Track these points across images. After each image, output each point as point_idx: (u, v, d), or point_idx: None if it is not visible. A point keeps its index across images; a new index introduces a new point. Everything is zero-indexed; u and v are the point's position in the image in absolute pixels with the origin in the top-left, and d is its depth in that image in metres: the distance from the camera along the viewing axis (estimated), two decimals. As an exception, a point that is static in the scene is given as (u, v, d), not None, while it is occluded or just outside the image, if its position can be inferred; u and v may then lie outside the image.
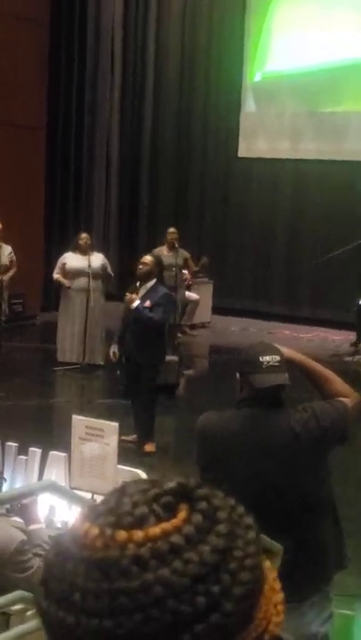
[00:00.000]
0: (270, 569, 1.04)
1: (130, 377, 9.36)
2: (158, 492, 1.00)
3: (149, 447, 9.31)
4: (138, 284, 9.36)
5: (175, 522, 0.97)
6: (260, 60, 17.55)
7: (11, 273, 13.33)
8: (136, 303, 9.13)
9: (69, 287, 12.55)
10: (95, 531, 0.97)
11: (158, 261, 9.56)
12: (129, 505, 0.99)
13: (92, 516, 1.00)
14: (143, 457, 8.90)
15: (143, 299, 9.19)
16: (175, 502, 0.99)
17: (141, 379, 9.32)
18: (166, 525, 0.96)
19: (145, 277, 9.27)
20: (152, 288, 9.27)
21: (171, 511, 0.98)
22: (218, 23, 17.73)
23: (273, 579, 1.04)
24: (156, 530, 0.96)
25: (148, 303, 9.15)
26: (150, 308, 9.14)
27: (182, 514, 0.98)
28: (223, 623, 0.94)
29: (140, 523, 0.97)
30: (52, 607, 0.97)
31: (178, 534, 0.96)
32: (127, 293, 9.29)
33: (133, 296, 9.18)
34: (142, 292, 9.25)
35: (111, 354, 9.85)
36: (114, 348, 9.74)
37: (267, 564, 1.03)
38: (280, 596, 1.04)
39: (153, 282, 9.30)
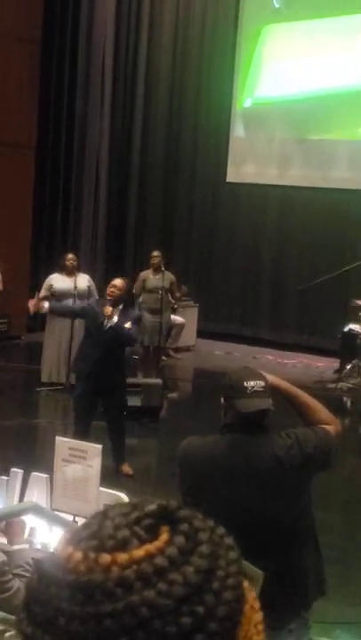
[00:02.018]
0: (249, 589, 1.05)
1: (87, 398, 9.24)
2: (139, 514, 1.00)
3: (128, 468, 9.28)
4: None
5: (158, 544, 0.97)
6: (251, 85, 17.65)
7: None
8: (115, 319, 9.06)
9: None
10: (78, 555, 0.97)
11: (129, 287, 9.53)
12: (111, 528, 0.99)
13: (75, 541, 1.00)
14: (125, 479, 8.88)
15: (119, 322, 9.09)
16: (156, 524, 0.99)
17: (112, 403, 9.28)
18: (149, 547, 0.97)
19: (117, 302, 9.20)
20: (123, 311, 9.21)
21: (153, 533, 0.98)
22: (209, 49, 17.83)
23: (253, 598, 1.05)
24: (139, 552, 0.96)
25: (129, 324, 9.11)
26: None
27: (164, 536, 0.98)
28: None
29: (122, 546, 0.97)
30: (37, 632, 0.97)
31: (161, 556, 0.96)
32: (107, 307, 9.13)
33: (109, 308, 9.07)
34: (114, 313, 9.16)
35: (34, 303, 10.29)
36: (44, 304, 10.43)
37: (246, 583, 1.04)
38: (260, 616, 1.05)
39: (121, 306, 9.23)
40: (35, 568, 1.03)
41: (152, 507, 1.01)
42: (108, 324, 9.04)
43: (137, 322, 9.53)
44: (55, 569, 0.98)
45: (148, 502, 1.02)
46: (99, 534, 0.99)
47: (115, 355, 9.16)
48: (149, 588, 0.94)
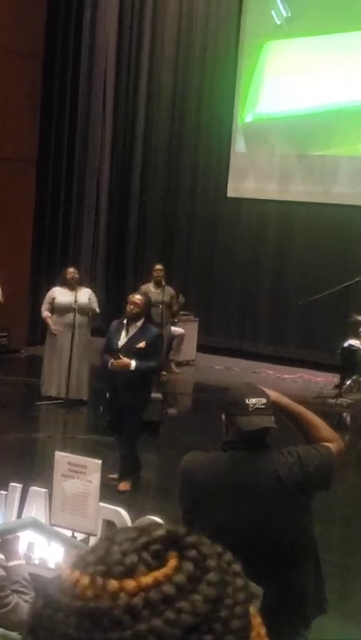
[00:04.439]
0: (255, 615, 1.03)
1: (114, 412, 9.28)
2: (147, 540, 0.98)
3: (125, 486, 9.23)
4: (125, 321, 9.25)
5: (166, 571, 0.95)
6: (252, 101, 17.68)
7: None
8: (133, 364, 8.92)
9: (54, 333, 12.58)
10: (86, 580, 0.95)
11: (148, 302, 9.46)
12: (118, 553, 0.97)
13: (82, 565, 0.98)
14: (121, 494, 8.85)
15: (134, 339, 9.07)
16: (164, 550, 0.97)
17: (128, 420, 9.25)
18: (158, 574, 0.95)
19: (136, 318, 9.18)
20: (142, 327, 9.17)
21: (160, 560, 0.96)
22: (210, 64, 17.87)
23: (259, 624, 1.03)
24: (147, 579, 0.94)
25: (142, 344, 9.03)
26: (145, 349, 9.03)
27: (172, 562, 0.96)
28: None
29: (130, 572, 0.95)
30: None
31: (169, 583, 0.94)
32: (115, 361, 8.91)
33: (125, 360, 8.90)
34: (132, 331, 9.13)
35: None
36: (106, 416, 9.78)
37: (252, 609, 1.02)
38: None
39: (141, 321, 9.22)
40: (39, 593, 1.01)
41: (160, 532, 0.99)
42: (133, 368, 8.97)
43: (156, 339, 9.39)
44: (61, 594, 0.96)
45: (155, 527, 1.00)
46: (106, 559, 0.97)
47: (136, 381, 9.07)
48: (157, 616, 0.92)
